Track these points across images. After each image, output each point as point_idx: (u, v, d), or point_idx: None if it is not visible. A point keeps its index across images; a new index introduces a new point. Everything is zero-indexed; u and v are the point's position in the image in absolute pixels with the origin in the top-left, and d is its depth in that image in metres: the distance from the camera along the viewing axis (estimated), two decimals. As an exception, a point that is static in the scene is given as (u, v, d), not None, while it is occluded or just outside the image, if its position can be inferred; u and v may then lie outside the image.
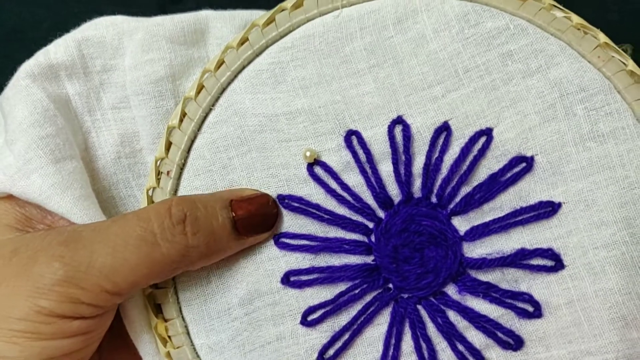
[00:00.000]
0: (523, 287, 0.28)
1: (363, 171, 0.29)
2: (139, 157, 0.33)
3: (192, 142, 0.31)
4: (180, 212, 0.27)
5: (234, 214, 0.28)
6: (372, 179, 0.29)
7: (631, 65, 0.29)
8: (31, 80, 0.31)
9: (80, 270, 0.26)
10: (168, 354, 0.30)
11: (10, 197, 0.31)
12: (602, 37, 0.29)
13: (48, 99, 0.31)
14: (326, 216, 0.29)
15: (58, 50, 0.32)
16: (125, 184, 0.33)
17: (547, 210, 0.28)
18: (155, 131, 0.33)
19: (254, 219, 0.28)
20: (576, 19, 0.30)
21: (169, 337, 0.30)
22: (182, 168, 0.31)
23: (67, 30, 0.33)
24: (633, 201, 0.28)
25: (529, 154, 0.28)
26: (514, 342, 0.28)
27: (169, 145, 0.31)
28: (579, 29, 0.29)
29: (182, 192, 0.31)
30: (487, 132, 0.29)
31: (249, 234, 0.29)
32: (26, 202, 0.30)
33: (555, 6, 0.30)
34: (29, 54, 0.33)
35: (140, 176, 0.33)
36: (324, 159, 0.30)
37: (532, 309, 0.28)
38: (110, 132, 0.33)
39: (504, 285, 0.28)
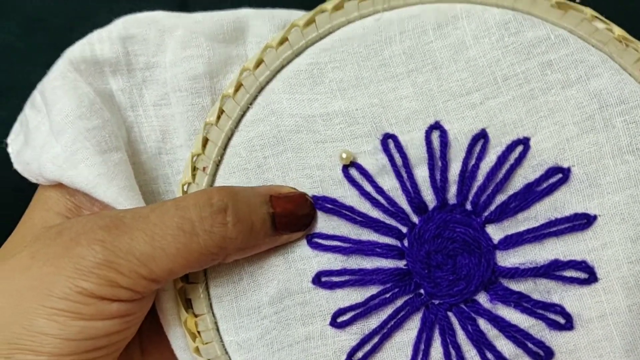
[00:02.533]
0: (555, 299, 0.28)
1: (399, 175, 0.29)
2: (178, 153, 0.34)
3: (229, 139, 0.31)
4: (221, 202, 0.27)
5: (272, 210, 0.28)
6: (408, 184, 0.29)
7: (673, 77, 0.29)
8: (78, 74, 0.32)
9: (120, 256, 0.26)
10: (197, 349, 0.30)
11: (60, 186, 0.31)
12: (643, 49, 0.29)
13: (94, 93, 0.32)
14: (359, 218, 0.29)
15: (104, 46, 0.32)
16: (164, 180, 0.34)
17: (582, 222, 0.28)
18: (192, 128, 0.33)
19: (292, 217, 0.29)
20: (618, 30, 0.30)
21: (199, 332, 0.30)
22: (217, 165, 0.31)
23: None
24: None
25: (565, 165, 0.28)
26: (544, 354, 0.28)
27: (205, 141, 0.31)
28: (620, 41, 0.29)
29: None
30: (524, 142, 0.29)
31: (285, 232, 0.29)
32: (75, 191, 0.31)
33: (598, 17, 0.30)
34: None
35: (179, 172, 0.33)
36: (359, 161, 0.30)
37: (564, 321, 0.28)
38: (152, 128, 0.34)
39: (536, 296, 0.28)
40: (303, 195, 0.29)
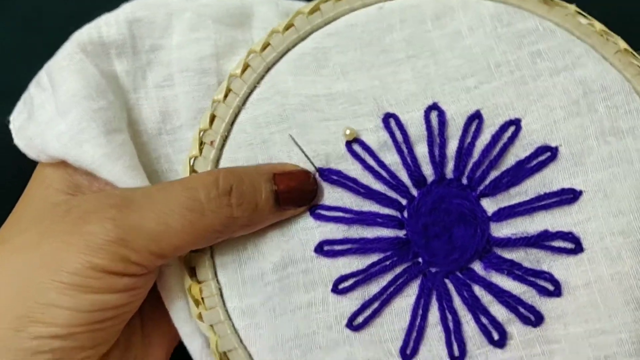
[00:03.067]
0: (544, 267, 0.30)
1: (400, 151, 0.31)
2: (179, 133, 0.35)
3: (236, 116, 0.33)
4: (227, 184, 0.29)
5: (276, 188, 0.30)
6: (408, 159, 0.31)
7: (648, 68, 0.32)
8: (85, 55, 0.33)
9: (130, 233, 0.27)
10: (199, 315, 0.31)
11: (59, 164, 0.32)
12: (622, 44, 0.32)
13: (100, 75, 0.33)
14: (362, 190, 0.31)
15: (110, 29, 0.33)
16: (166, 159, 0.34)
17: (568, 197, 0.30)
18: (197, 107, 0.34)
19: (295, 193, 0.30)
20: (599, 25, 0.32)
21: (202, 298, 0.31)
22: (224, 140, 0.33)
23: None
24: None
25: (553, 145, 0.31)
26: (535, 318, 0.29)
27: (212, 117, 0.33)
28: (602, 35, 0.32)
29: (223, 162, 0.32)
30: (516, 122, 0.31)
31: (289, 208, 0.30)
32: (75, 171, 0.32)
33: (580, 13, 0.33)
34: (48, 43, 0.34)
35: (180, 151, 0.34)
36: (362, 137, 0.31)
37: (553, 288, 0.30)
38: (153, 109, 0.35)
39: (527, 264, 0.30)
40: (306, 172, 0.31)
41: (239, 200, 0.29)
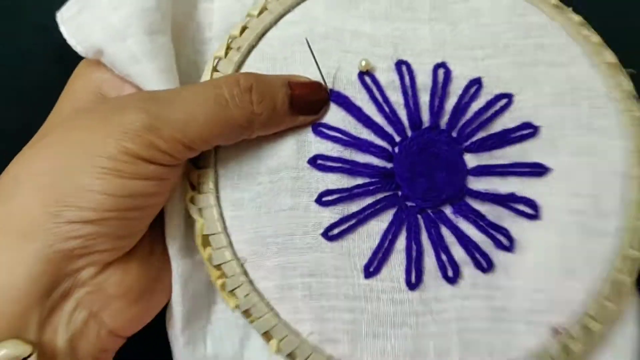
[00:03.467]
0: (504, 224, 0.34)
1: (405, 93, 0.34)
2: (208, 45, 0.37)
3: (265, 32, 0.36)
4: (247, 82, 0.32)
5: (291, 92, 0.32)
6: (411, 102, 0.34)
7: (628, 85, 0.36)
8: None
9: (160, 122, 0.29)
10: (192, 198, 0.33)
11: (94, 74, 0.34)
12: (611, 58, 0.36)
13: None
14: (363, 118, 0.34)
15: None
16: (195, 67, 0.37)
17: (539, 170, 0.34)
18: (229, 22, 0.37)
19: (308, 99, 0.33)
20: (596, 38, 0.37)
21: (199, 183, 0.33)
22: (250, 49, 0.35)
23: None
24: (603, 185, 0.34)
25: (537, 124, 0.35)
26: (486, 265, 0.33)
27: (243, 29, 0.36)
28: (597, 46, 0.36)
29: (245, 68, 0.35)
30: (509, 97, 0.35)
31: (302, 113, 0.33)
32: (104, 81, 0.34)
33: (583, 24, 0.37)
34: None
35: (207, 61, 0.37)
36: (374, 74, 0.35)
37: (508, 243, 0.33)
38: (192, 20, 0.38)
39: (491, 218, 0.34)
40: (318, 83, 0.34)
41: (259, 98, 0.31)
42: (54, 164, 0.29)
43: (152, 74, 0.33)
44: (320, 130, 0.34)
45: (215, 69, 0.35)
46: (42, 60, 0.43)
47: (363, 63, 0.34)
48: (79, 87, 0.34)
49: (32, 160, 0.29)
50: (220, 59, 0.35)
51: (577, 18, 0.37)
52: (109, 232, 0.29)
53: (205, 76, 0.35)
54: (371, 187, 0.34)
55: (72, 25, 0.34)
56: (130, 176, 0.29)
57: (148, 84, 0.33)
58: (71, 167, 0.28)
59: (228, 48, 0.35)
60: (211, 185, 0.34)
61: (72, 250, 0.28)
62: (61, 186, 0.28)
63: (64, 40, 0.34)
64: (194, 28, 0.38)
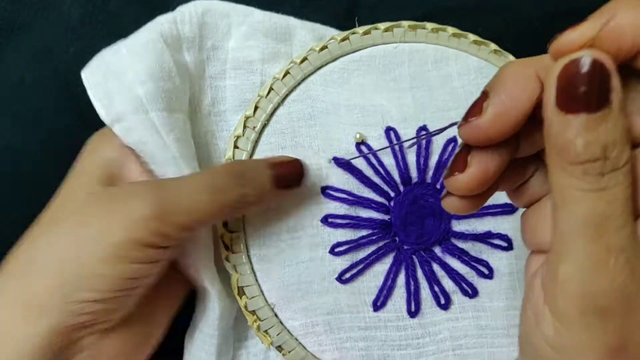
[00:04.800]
0: (484, 257, 0.41)
1: (395, 156, 0.42)
2: (222, 116, 0.44)
3: (274, 110, 0.42)
4: (239, 170, 0.36)
5: (275, 172, 0.37)
6: (401, 163, 0.42)
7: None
8: (165, 45, 0.41)
9: (168, 210, 0.32)
10: (227, 257, 0.41)
11: (101, 156, 0.37)
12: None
13: (173, 63, 0.40)
14: (364, 179, 0.41)
15: (185, 27, 0.41)
16: (212, 135, 0.43)
17: (509, 209, 0.42)
18: (241, 97, 0.44)
19: (289, 176, 0.38)
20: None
21: (231, 244, 0.41)
22: (263, 127, 0.42)
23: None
24: None
25: (504, 170, 0.42)
26: (472, 292, 0.41)
27: (256, 108, 0.42)
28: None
29: (261, 144, 0.42)
30: (481, 150, 0.42)
31: (285, 188, 0.38)
32: (112, 160, 0.37)
33: (539, 77, 0.44)
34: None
35: (222, 130, 0.43)
36: (368, 142, 0.42)
37: (487, 272, 0.41)
38: (206, 95, 0.44)
39: (472, 253, 0.41)
40: (296, 160, 0.39)
41: (249, 182, 0.36)
42: (67, 254, 0.31)
43: (169, 142, 0.38)
44: (328, 193, 0.41)
45: (236, 146, 0.42)
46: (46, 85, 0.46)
47: (357, 136, 0.41)
48: (87, 165, 0.37)
49: (46, 247, 0.32)
50: (239, 137, 0.42)
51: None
52: (114, 308, 0.32)
53: (229, 152, 0.42)
54: (374, 237, 0.41)
55: (99, 91, 0.39)
56: (137, 261, 0.32)
57: (162, 152, 0.38)
58: (83, 256, 0.31)
59: (245, 127, 0.42)
60: (242, 245, 0.41)
61: (81, 324, 0.31)
62: (74, 272, 0.31)
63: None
64: (209, 102, 0.44)
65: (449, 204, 0.29)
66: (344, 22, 0.46)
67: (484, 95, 0.26)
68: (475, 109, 0.26)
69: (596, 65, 0.22)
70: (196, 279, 0.40)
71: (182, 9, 0.43)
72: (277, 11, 0.46)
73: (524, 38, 0.48)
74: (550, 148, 0.23)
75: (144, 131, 0.38)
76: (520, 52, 0.47)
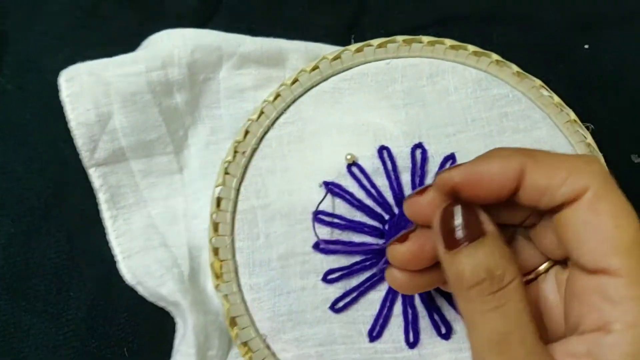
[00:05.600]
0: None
1: (388, 176, 0.40)
2: (223, 144, 0.44)
3: (265, 134, 0.41)
4: None
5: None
6: (394, 184, 0.40)
7: (589, 139, 0.40)
8: (152, 96, 0.41)
9: None
10: (217, 286, 0.39)
11: None
12: (572, 116, 0.41)
13: (159, 113, 0.42)
14: (356, 203, 0.39)
15: (174, 70, 0.42)
16: (212, 164, 0.43)
17: (514, 229, 0.39)
18: (238, 125, 0.43)
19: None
20: (557, 99, 0.41)
21: (221, 273, 0.40)
22: (253, 151, 0.41)
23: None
24: None
25: (508, 188, 0.39)
26: (475, 320, 0.38)
27: (246, 133, 0.42)
28: (557, 106, 0.41)
29: (251, 168, 0.41)
30: (481, 166, 0.40)
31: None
32: None
33: (543, 87, 0.41)
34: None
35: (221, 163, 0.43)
36: (360, 162, 0.40)
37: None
38: (204, 125, 0.44)
39: (475, 277, 0.39)
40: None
41: None
42: None
43: (142, 186, 0.43)
44: (319, 218, 0.40)
45: (226, 172, 0.41)
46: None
47: (348, 157, 0.40)
48: None
49: None
50: (230, 162, 0.41)
51: (537, 82, 0.42)
52: None
53: (219, 179, 0.41)
54: (367, 263, 0.39)
55: (84, 135, 0.41)
56: None
57: (133, 195, 0.43)
58: None
59: (235, 152, 0.41)
60: (232, 274, 0.40)
61: None
62: None
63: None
64: (208, 132, 0.44)
65: (389, 275, 0.32)
66: (351, 27, 0.45)
67: (421, 191, 0.30)
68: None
69: (465, 208, 0.27)
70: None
71: (170, 50, 0.42)
72: (283, 13, 0.45)
73: (540, 45, 0.46)
74: (451, 282, 0.27)
75: (122, 175, 0.41)
76: (536, 59, 0.44)
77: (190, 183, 0.45)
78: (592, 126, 0.41)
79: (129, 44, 0.44)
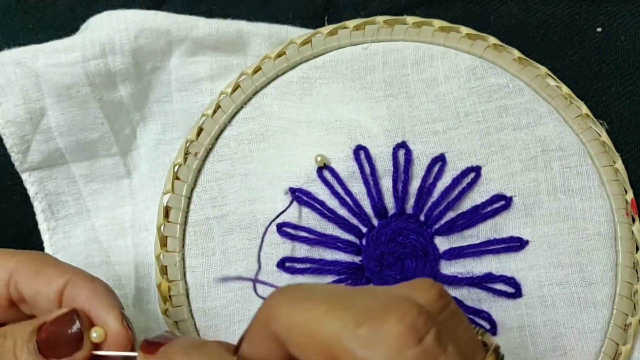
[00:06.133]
0: (484, 307, 0.33)
1: (366, 182, 0.34)
2: (176, 144, 0.38)
3: (221, 132, 0.35)
4: None
5: (38, 339, 0.27)
6: (373, 191, 0.33)
7: (604, 137, 0.34)
8: (91, 89, 0.36)
9: None
10: (166, 311, 0.33)
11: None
12: (584, 109, 0.34)
13: (100, 109, 0.37)
14: (328, 213, 0.33)
15: (115, 59, 0.36)
16: (163, 167, 0.38)
17: (515, 244, 0.33)
18: (191, 122, 0.37)
19: (55, 339, 0.27)
20: (565, 89, 0.35)
21: (170, 296, 0.34)
22: (208, 152, 0.35)
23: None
24: (587, 250, 0.33)
25: (508, 194, 0.33)
26: (469, 352, 0.32)
27: (199, 130, 0.35)
28: (566, 98, 0.35)
29: (205, 172, 0.35)
30: (477, 169, 0.33)
31: (51, 357, 0.27)
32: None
33: (550, 75, 0.35)
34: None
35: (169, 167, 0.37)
36: (332, 165, 0.34)
37: (489, 327, 0.32)
38: (155, 122, 0.38)
39: (469, 303, 0.33)
40: (70, 313, 0.27)
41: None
42: None
43: (85, 194, 0.38)
44: (284, 230, 0.34)
45: (176, 177, 0.35)
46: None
47: (318, 159, 0.34)
48: None
49: None
50: (180, 165, 0.35)
51: (542, 69, 0.35)
52: None
53: (167, 184, 0.35)
54: (342, 284, 0.33)
55: (14, 135, 0.36)
56: None
57: (75, 204, 0.38)
58: None
59: (187, 153, 0.35)
60: (182, 297, 0.34)
61: None
62: None
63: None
64: (159, 131, 0.38)
65: None
66: (325, 7, 0.39)
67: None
68: (152, 347, 0.26)
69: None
70: None
71: (110, 35, 0.36)
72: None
73: (545, 27, 0.39)
74: None
75: (62, 181, 0.37)
76: (541, 44, 0.38)
77: (140, 189, 0.38)
78: (606, 125, 0.35)
79: (69, 28, 0.38)
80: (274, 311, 0.23)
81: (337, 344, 0.21)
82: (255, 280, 0.31)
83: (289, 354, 0.23)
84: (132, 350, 0.27)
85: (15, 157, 0.37)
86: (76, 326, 0.27)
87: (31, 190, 0.38)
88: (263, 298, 0.30)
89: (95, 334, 0.27)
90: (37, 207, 0.38)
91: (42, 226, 0.38)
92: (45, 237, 0.38)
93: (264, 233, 0.33)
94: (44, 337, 0.27)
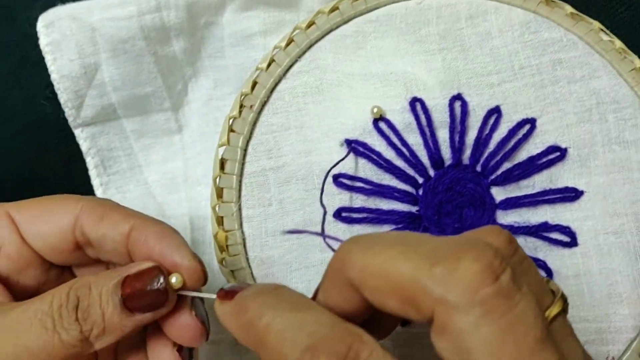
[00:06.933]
0: (540, 256, 0.33)
1: (422, 133, 0.34)
2: (227, 99, 0.38)
3: (276, 85, 0.36)
4: (74, 298, 0.27)
5: (122, 293, 0.27)
6: (430, 141, 0.34)
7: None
8: (146, 43, 0.36)
9: None
10: (222, 261, 0.34)
11: None
12: (638, 63, 0.35)
13: (154, 64, 0.37)
14: (384, 164, 0.34)
15: (170, 13, 0.36)
16: (214, 122, 0.38)
17: (571, 195, 0.33)
18: (244, 78, 0.37)
19: (140, 296, 0.27)
20: (619, 43, 0.35)
21: (227, 246, 0.34)
22: (263, 105, 0.35)
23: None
24: None
25: (563, 146, 0.33)
26: (526, 300, 0.32)
27: (254, 84, 0.36)
28: (620, 52, 0.35)
29: (260, 124, 0.35)
30: (532, 121, 0.34)
31: (138, 312, 0.27)
32: None
33: (603, 30, 0.35)
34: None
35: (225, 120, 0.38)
36: (388, 117, 0.34)
37: (545, 275, 0.32)
38: (207, 77, 0.39)
39: (525, 251, 0.33)
40: (154, 270, 0.28)
41: (84, 315, 0.27)
42: None
43: (137, 149, 0.39)
44: (341, 181, 0.34)
45: (231, 129, 0.35)
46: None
47: (375, 110, 0.34)
48: None
49: None
50: (235, 118, 0.35)
51: (595, 24, 0.35)
52: None
53: (223, 137, 0.35)
54: (399, 233, 0.33)
55: (69, 90, 0.37)
56: None
57: (127, 160, 0.39)
58: None
59: (241, 106, 0.35)
60: (239, 246, 0.34)
61: None
62: None
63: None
64: (210, 86, 0.39)
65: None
66: None
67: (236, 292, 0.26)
68: (228, 294, 0.26)
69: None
70: None
71: None
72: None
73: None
74: None
75: (114, 136, 0.38)
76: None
77: (191, 145, 0.39)
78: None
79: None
80: (347, 257, 0.24)
81: (412, 284, 0.21)
82: (323, 235, 0.32)
83: (365, 301, 0.24)
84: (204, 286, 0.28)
85: (69, 113, 0.38)
86: (161, 282, 0.27)
87: (84, 145, 0.38)
88: (330, 246, 0.31)
89: (174, 279, 0.27)
90: (90, 162, 0.39)
91: (95, 181, 0.39)
92: (98, 192, 0.39)
93: (325, 178, 0.33)
94: (128, 292, 0.27)
